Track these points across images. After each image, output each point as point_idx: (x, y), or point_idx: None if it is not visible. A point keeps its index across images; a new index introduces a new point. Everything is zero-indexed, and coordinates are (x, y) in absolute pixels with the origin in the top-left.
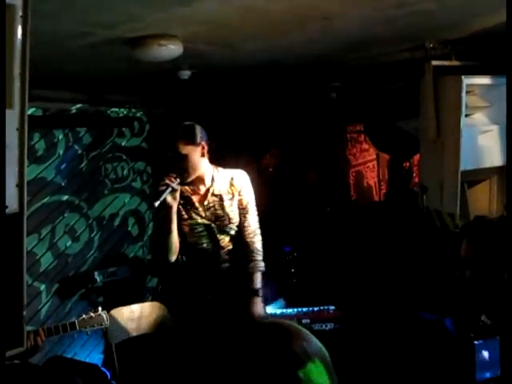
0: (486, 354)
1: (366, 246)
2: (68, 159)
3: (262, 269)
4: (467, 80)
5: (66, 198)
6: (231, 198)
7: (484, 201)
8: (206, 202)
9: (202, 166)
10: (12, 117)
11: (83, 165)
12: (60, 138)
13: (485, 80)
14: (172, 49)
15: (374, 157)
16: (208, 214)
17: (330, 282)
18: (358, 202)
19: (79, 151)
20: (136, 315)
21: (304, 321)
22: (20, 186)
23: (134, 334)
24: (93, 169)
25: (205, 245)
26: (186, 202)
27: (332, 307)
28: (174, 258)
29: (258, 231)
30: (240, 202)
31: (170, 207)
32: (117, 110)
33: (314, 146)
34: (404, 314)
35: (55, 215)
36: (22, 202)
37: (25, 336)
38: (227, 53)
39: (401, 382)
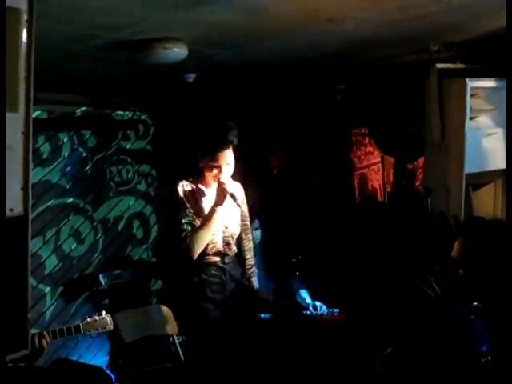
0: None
1: (371, 248)
2: (73, 162)
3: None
4: (472, 83)
5: (70, 200)
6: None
7: (489, 203)
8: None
9: None
10: (17, 120)
11: (88, 167)
12: (65, 140)
13: (489, 83)
14: (177, 52)
15: (379, 159)
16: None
17: (335, 285)
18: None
19: (84, 154)
20: (141, 318)
21: None
22: (25, 188)
23: (139, 337)
24: (97, 171)
25: (218, 245)
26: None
27: (336, 310)
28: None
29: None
30: (242, 213)
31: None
32: (122, 112)
33: (318, 149)
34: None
35: (60, 218)
36: (27, 204)
37: (29, 338)
38: (232, 56)
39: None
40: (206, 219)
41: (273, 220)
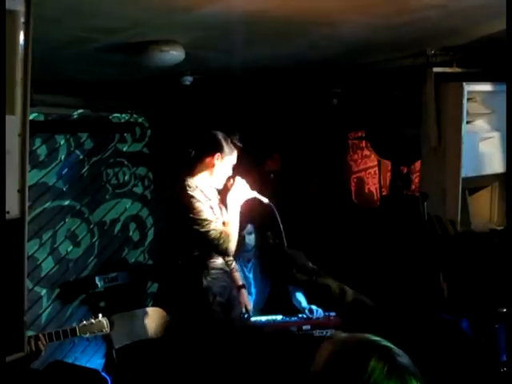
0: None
1: (367, 252)
2: (69, 164)
3: None
4: (468, 87)
5: (67, 203)
6: None
7: (485, 207)
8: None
9: None
10: (14, 122)
11: (84, 170)
12: (62, 143)
13: (486, 87)
14: (174, 55)
15: (376, 163)
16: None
17: None
18: (359, 208)
19: (81, 156)
20: (138, 320)
21: (305, 327)
22: (21, 191)
23: (136, 339)
24: (94, 174)
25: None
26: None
27: (332, 313)
28: None
29: None
30: None
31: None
32: (118, 115)
33: (315, 152)
34: (411, 317)
35: (56, 220)
36: (23, 207)
37: (25, 341)
38: (229, 59)
39: None
40: (232, 219)
41: (269, 224)
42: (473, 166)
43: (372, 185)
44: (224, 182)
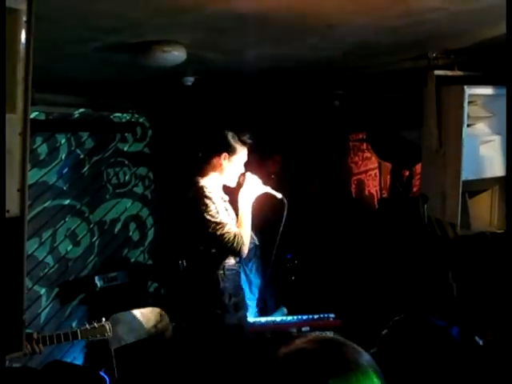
0: None
1: (367, 254)
2: (70, 163)
3: None
4: (469, 90)
5: (67, 202)
6: None
7: (485, 211)
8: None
9: None
10: (15, 121)
11: (85, 169)
12: (62, 142)
13: (487, 90)
14: (175, 55)
15: (376, 165)
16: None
17: (330, 290)
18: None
19: (81, 156)
20: (136, 321)
21: (304, 328)
22: (21, 190)
23: (133, 340)
24: (95, 173)
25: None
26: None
27: (332, 315)
28: None
29: None
30: None
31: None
32: (119, 115)
33: (316, 154)
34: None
35: (56, 219)
36: (23, 206)
37: (24, 340)
38: (231, 59)
39: None
40: (245, 216)
41: (269, 225)
42: (473, 169)
43: (372, 187)
44: (236, 180)
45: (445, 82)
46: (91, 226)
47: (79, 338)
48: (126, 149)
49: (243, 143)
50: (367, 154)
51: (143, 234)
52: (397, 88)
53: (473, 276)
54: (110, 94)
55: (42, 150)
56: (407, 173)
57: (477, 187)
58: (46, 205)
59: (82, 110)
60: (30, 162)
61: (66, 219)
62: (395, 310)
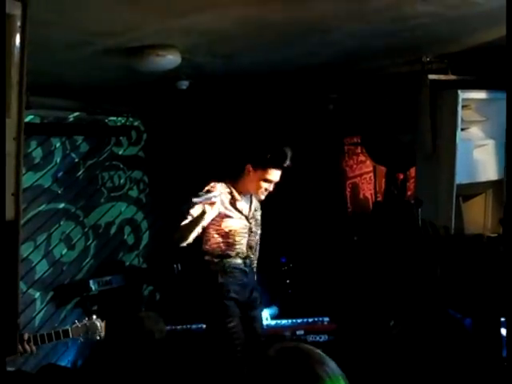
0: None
1: (361, 257)
2: (65, 167)
3: None
4: (463, 94)
5: (62, 205)
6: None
7: (479, 214)
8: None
9: None
10: (9, 126)
11: (80, 173)
12: (57, 145)
13: (481, 94)
14: (170, 59)
15: (371, 169)
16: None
17: (325, 294)
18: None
19: (76, 159)
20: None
21: (298, 332)
22: (16, 194)
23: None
24: (89, 177)
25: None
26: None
27: (326, 319)
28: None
29: None
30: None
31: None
32: (114, 118)
33: (311, 157)
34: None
35: (51, 223)
36: (18, 210)
37: (18, 343)
38: (225, 63)
39: None
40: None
41: (264, 227)
42: (467, 172)
43: (367, 190)
44: (261, 196)
45: (439, 86)
46: (86, 229)
47: (70, 336)
48: (120, 152)
49: (277, 164)
50: (362, 158)
51: (138, 237)
52: (391, 92)
53: (463, 274)
54: (104, 97)
55: (37, 153)
56: (402, 176)
57: (471, 191)
58: (40, 208)
59: (76, 113)
60: (24, 166)
61: (61, 223)
62: (389, 312)
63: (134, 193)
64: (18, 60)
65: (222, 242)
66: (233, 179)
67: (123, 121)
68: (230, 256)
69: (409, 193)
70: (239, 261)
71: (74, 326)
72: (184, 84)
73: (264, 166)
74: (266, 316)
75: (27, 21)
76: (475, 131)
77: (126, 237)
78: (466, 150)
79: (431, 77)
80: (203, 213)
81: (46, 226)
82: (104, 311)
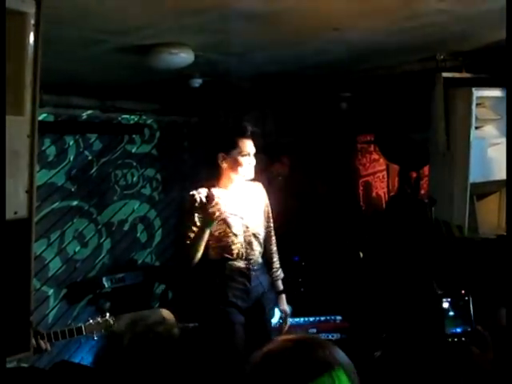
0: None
1: (374, 256)
2: (78, 165)
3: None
4: (477, 92)
5: (75, 203)
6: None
7: (493, 213)
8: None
9: None
10: (23, 124)
11: (93, 171)
12: (71, 143)
13: (495, 92)
14: (183, 57)
15: (384, 167)
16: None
17: (337, 292)
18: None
19: (89, 157)
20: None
21: (310, 330)
22: (29, 192)
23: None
24: (103, 175)
25: (239, 246)
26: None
27: (339, 317)
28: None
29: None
30: (267, 214)
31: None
32: (128, 116)
33: (323, 156)
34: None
35: (64, 220)
36: (31, 208)
37: (31, 340)
38: (238, 62)
39: None
40: (199, 232)
41: (276, 226)
42: (481, 171)
43: (380, 189)
44: (248, 172)
45: (453, 84)
46: (99, 227)
47: (84, 333)
48: (133, 150)
49: (242, 135)
50: (375, 156)
51: (151, 235)
52: (405, 90)
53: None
54: (118, 95)
55: (51, 151)
56: (415, 175)
57: (485, 190)
58: (54, 206)
59: (90, 111)
60: (38, 164)
61: (74, 220)
62: (402, 312)
63: (146, 191)
64: (31, 58)
65: (218, 247)
66: (215, 177)
67: (136, 119)
68: (229, 259)
69: (422, 191)
70: (240, 263)
71: (88, 323)
72: (197, 82)
73: (233, 144)
74: (280, 315)
75: (41, 19)
76: (489, 129)
77: (138, 234)
78: (481, 149)
79: (445, 75)
80: (205, 225)
81: (60, 224)
82: (117, 308)
